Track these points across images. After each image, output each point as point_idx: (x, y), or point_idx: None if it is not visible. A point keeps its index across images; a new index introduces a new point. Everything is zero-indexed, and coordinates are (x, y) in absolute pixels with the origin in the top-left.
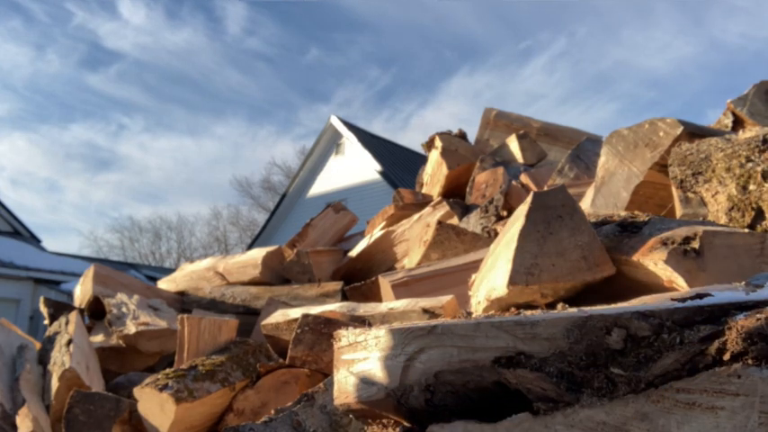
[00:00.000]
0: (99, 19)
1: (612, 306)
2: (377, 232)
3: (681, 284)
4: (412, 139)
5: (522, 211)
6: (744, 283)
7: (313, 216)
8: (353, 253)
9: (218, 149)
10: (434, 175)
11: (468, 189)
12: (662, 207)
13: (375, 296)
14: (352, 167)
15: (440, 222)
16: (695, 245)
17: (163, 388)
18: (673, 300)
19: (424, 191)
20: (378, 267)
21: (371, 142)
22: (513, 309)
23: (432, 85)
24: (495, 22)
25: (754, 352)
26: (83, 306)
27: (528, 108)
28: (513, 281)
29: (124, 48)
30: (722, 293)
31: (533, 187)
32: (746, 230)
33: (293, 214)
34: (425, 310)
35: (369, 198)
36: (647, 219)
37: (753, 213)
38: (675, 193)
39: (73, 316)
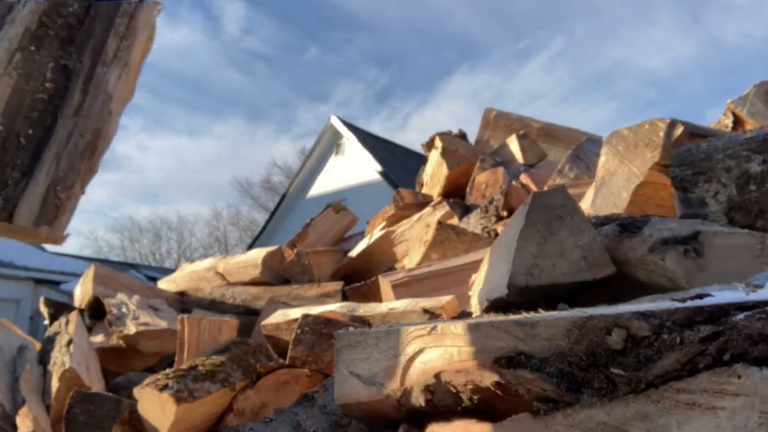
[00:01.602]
0: None
1: (612, 306)
2: (377, 232)
3: (681, 284)
4: (411, 139)
5: (522, 212)
6: (744, 283)
7: (313, 216)
8: (353, 253)
9: (216, 149)
10: (434, 175)
11: (468, 189)
12: (662, 207)
13: (375, 296)
14: (352, 167)
15: (440, 222)
16: (695, 245)
17: (163, 388)
18: (673, 300)
19: (424, 191)
20: (378, 267)
21: (371, 142)
22: (513, 309)
23: (430, 85)
24: (494, 21)
25: (754, 352)
26: (83, 306)
27: (527, 107)
28: (513, 281)
29: None
30: (722, 293)
31: (533, 187)
32: (746, 230)
33: (293, 214)
34: (425, 310)
35: (369, 198)
36: (647, 219)
37: (753, 213)
38: (675, 193)
39: (73, 316)
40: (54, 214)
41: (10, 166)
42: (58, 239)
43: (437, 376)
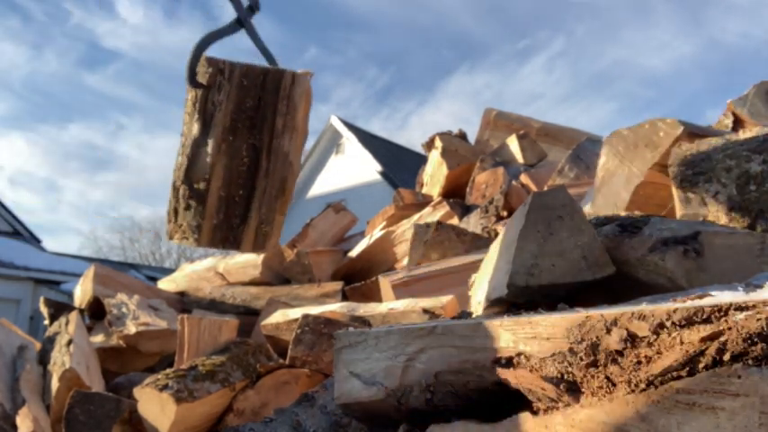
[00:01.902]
0: (97, 18)
1: (612, 306)
2: (377, 232)
3: (681, 284)
4: (411, 139)
5: (522, 212)
6: (744, 283)
7: (313, 216)
8: (353, 253)
9: None
10: (434, 175)
11: (468, 189)
12: (662, 207)
13: (375, 296)
14: (352, 167)
15: (440, 222)
16: (695, 245)
17: (163, 388)
18: (673, 300)
19: (424, 191)
20: (378, 267)
21: (371, 142)
22: (513, 309)
23: (430, 85)
24: (494, 21)
25: (754, 352)
26: (83, 306)
27: (527, 107)
28: (513, 281)
29: (122, 47)
30: (722, 293)
31: (533, 187)
32: (746, 230)
33: (293, 214)
34: (425, 310)
35: (369, 198)
36: (647, 219)
37: (753, 213)
38: (675, 193)
39: (73, 316)
40: (263, 242)
41: (233, 217)
42: (270, 250)
43: (437, 376)
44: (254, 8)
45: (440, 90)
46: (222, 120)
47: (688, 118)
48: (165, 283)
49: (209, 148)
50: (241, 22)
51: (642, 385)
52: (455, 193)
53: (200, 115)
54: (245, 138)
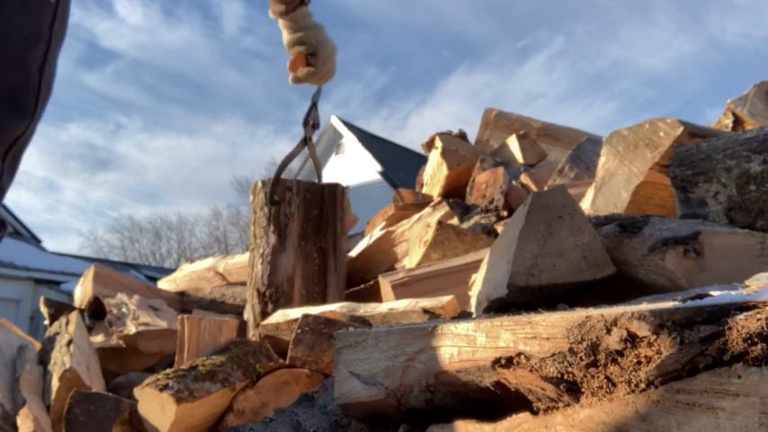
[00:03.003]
0: (95, 18)
1: (612, 306)
2: (377, 232)
3: (681, 284)
4: (410, 139)
5: (521, 212)
6: (744, 282)
7: None
8: (353, 253)
9: (216, 149)
10: (434, 175)
11: (468, 189)
12: (662, 207)
13: (375, 298)
14: (352, 167)
15: (440, 222)
16: (695, 245)
17: (163, 388)
18: (673, 300)
19: (424, 191)
20: (378, 267)
21: (371, 142)
22: (513, 309)
23: (430, 84)
24: (493, 21)
25: (754, 352)
26: (83, 306)
27: (526, 107)
28: (513, 281)
29: (121, 47)
30: (722, 293)
31: (533, 187)
32: (746, 230)
33: None
34: (425, 310)
35: (369, 198)
36: (647, 219)
37: (753, 213)
38: (675, 193)
39: (73, 316)
40: None
41: (313, 300)
42: None
43: (437, 376)
44: (316, 126)
45: (439, 90)
46: (295, 228)
47: (688, 118)
48: (165, 283)
49: (288, 253)
50: (306, 142)
51: (642, 385)
52: (455, 193)
53: (276, 227)
54: (314, 242)
